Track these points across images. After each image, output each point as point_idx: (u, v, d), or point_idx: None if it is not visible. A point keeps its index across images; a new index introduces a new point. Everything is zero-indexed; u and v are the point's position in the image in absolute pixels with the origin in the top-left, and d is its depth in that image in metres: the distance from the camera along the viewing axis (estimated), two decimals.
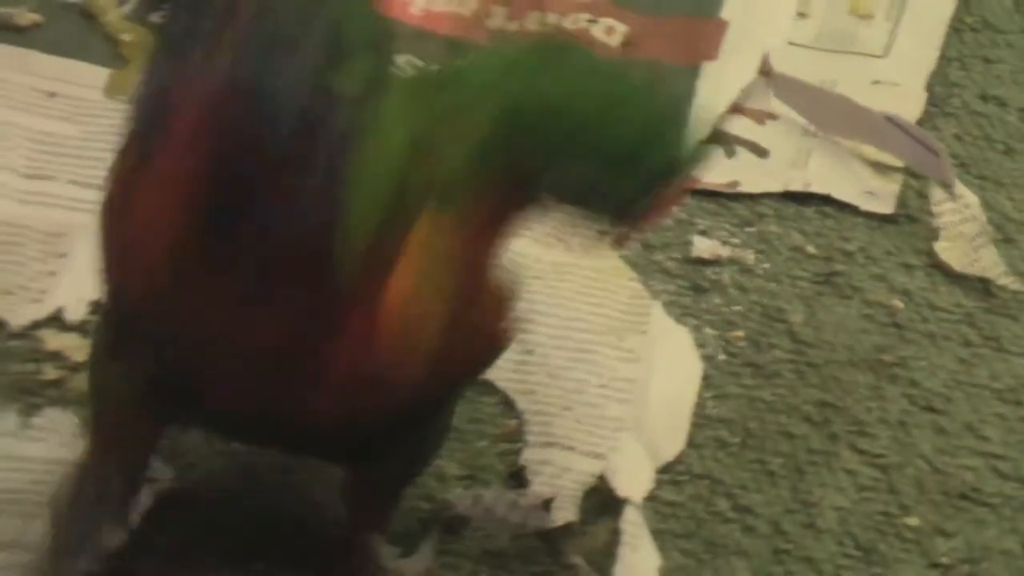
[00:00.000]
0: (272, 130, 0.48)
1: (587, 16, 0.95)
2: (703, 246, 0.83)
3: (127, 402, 0.62)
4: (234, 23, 0.48)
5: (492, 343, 0.61)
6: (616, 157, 0.62)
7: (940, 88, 0.92)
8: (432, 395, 0.58)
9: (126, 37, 0.92)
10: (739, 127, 0.88)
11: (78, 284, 0.81)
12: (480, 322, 0.58)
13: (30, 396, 0.76)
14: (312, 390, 0.53)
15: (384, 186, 0.52)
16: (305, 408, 0.54)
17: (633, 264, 0.81)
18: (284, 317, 0.51)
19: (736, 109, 0.88)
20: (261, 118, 0.48)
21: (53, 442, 0.74)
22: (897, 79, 0.92)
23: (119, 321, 0.58)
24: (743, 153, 0.86)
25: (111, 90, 0.88)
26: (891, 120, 0.87)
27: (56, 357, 0.78)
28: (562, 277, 0.81)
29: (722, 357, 0.78)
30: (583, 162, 0.62)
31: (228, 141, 0.48)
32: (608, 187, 0.63)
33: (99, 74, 0.89)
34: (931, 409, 0.75)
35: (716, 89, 0.90)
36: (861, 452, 0.73)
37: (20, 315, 0.79)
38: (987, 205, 0.85)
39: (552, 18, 0.96)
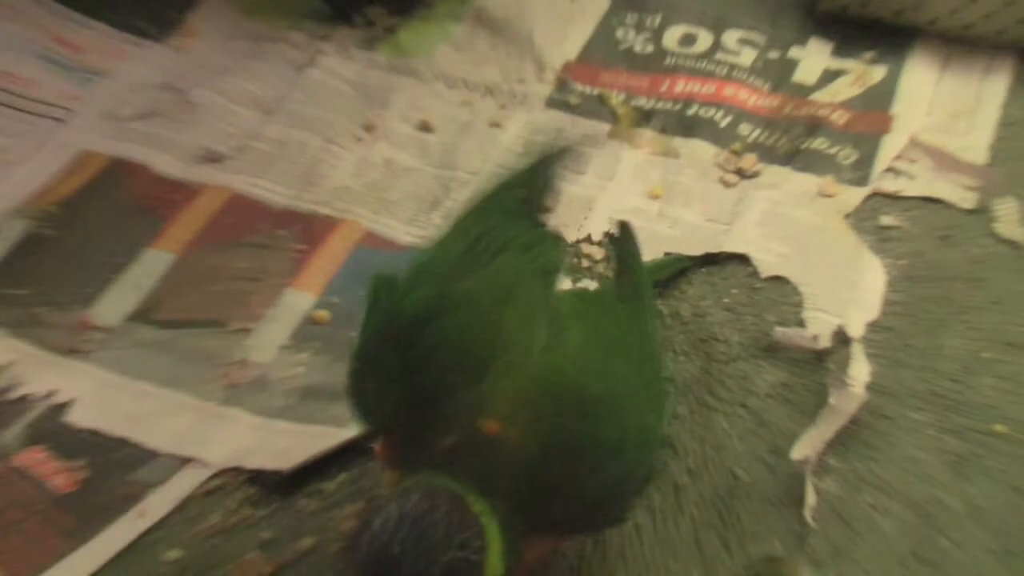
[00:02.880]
0: None
1: (829, 109, 1.18)
2: (885, 220, 1.07)
3: None
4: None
5: None
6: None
7: (997, 152, 1.14)
8: None
9: (620, 110, 1.20)
10: (898, 162, 1.11)
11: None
12: None
13: (575, 273, 1.02)
14: None
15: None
16: None
17: (855, 228, 1.06)
18: None
19: (899, 156, 1.12)
20: None
21: None
22: (975, 147, 1.14)
23: None
24: (903, 176, 1.10)
25: (612, 135, 1.18)
26: (972, 165, 1.12)
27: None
28: (823, 232, 1.06)
29: (895, 273, 1.02)
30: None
31: None
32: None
33: (606, 127, 1.20)
34: (997, 303, 0.98)
35: (889, 146, 1.13)
36: (963, 321, 0.97)
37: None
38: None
39: (813, 109, 1.18)
